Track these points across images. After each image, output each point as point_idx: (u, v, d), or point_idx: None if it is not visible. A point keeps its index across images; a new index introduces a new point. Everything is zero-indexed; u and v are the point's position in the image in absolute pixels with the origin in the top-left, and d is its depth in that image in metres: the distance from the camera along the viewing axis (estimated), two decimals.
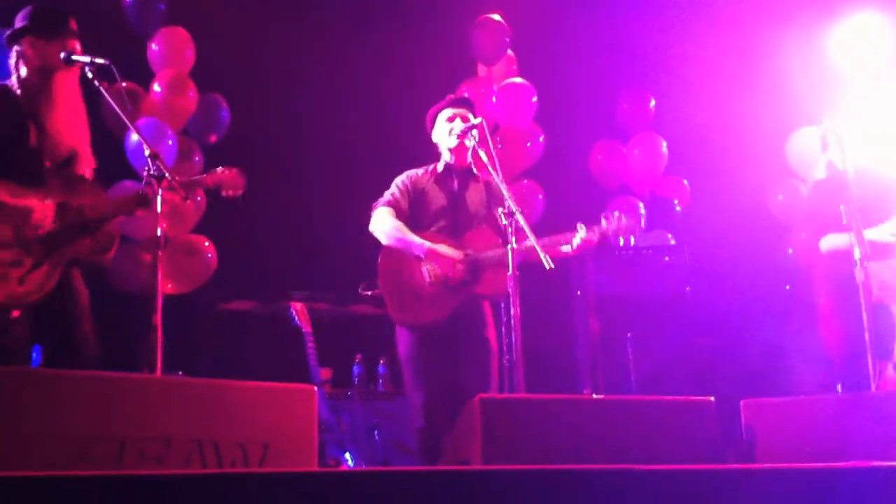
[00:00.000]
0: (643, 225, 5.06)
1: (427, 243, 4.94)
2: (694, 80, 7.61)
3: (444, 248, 4.93)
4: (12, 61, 4.35)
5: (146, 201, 4.27)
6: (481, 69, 7.87)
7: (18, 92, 4.32)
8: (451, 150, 5.15)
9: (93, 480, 2.42)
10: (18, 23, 4.36)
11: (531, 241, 4.51)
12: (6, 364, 3.91)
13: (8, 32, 4.38)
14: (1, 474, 2.44)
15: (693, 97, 7.61)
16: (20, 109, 4.28)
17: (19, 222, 4.12)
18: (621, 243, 4.99)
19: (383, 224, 5.05)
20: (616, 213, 4.87)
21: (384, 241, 5.05)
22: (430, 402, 4.89)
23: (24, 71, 4.33)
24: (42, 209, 4.17)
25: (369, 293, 5.30)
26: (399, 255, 5.01)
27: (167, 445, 3.14)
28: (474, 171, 5.22)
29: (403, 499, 2.60)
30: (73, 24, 4.38)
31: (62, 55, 4.25)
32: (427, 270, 4.93)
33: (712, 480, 2.91)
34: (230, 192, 4.55)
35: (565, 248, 4.94)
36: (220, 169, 4.55)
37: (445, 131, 5.15)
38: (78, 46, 4.32)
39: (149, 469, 3.05)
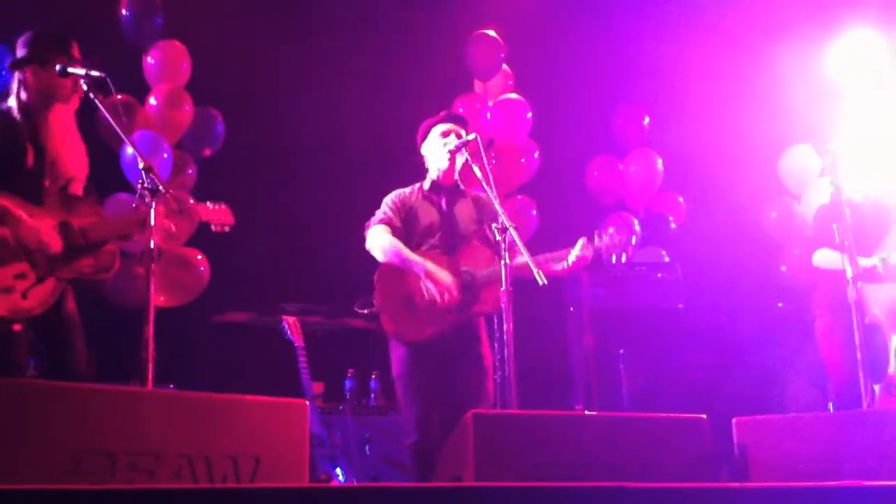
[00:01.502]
0: (635, 241, 5.03)
1: (428, 264, 4.94)
2: (690, 96, 7.64)
3: (441, 274, 4.92)
4: (14, 85, 4.39)
5: (143, 224, 4.30)
6: (477, 84, 7.88)
7: (18, 116, 4.34)
8: (440, 168, 5.14)
9: (83, 494, 2.40)
10: (20, 50, 4.39)
11: (525, 256, 4.51)
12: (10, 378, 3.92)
13: (10, 61, 4.42)
14: None
15: (689, 114, 7.64)
16: (20, 132, 4.31)
17: (28, 238, 4.16)
18: (613, 261, 4.96)
19: (381, 241, 5.03)
20: (610, 231, 4.87)
21: (382, 258, 5.03)
22: (424, 416, 4.87)
23: (24, 96, 4.36)
24: (49, 230, 4.21)
25: (366, 311, 5.28)
26: (396, 272, 4.99)
27: (158, 458, 3.13)
28: (461, 186, 5.22)
29: None
30: (76, 49, 4.40)
31: (57, 67, 4.25)
32: (425, 289, 4.93)
33: (705, 499, 2.91)
34: (217, 228, 4.66)
35: (559, 267, 4.92)
36: (209, 204, 4.64)
37: (439, 147, 5.14)
38: (79, 71, 4.33)
39: (140, 482, 3.04)
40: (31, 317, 4.16)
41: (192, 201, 4.82)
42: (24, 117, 4.34)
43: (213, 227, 4.63)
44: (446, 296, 4.86)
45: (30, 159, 4.28)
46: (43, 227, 4.20)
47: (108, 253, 4.39)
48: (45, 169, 4.32)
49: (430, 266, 4.92)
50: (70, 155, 4.41)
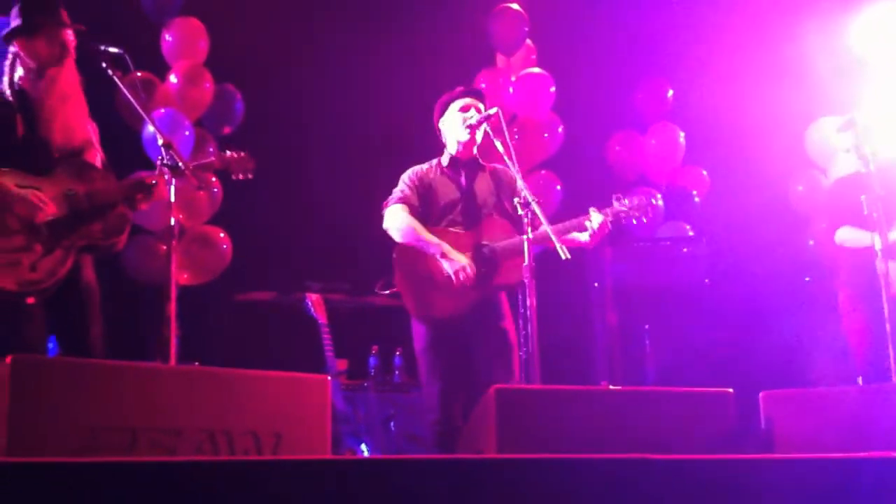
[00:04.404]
0: (658, 202, 5.02)
1: (444, 245, 4.90)
2: (713, 69, 7.55)
3: (455, 255, 4.88)
4: (7, 63, 4.32)
5: (144, 188, 4.27)
6: (500, 59, 7.82)
7: (8, 92, 4.27)
8: (459, 142, 5.10)
9: (105, 466, 2.40)
10: (12, 21, 4.32)
11: (547, 230, 4.47)
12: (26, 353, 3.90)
13: (2, 35, 4.35)
14: (15, 460, 2.44)
15: (712, 87, 7.55)
16: (8, 108, 4.24)
17: (26, 209, 4.11)
18: (634, 223, 4.94)
19: (397, 221, 5.00)
20: (633, 198, 4.88)
21: (399, 238, 4.99)
22: (446, 394, 4.84)
23: (20, 71, 4.29)
24: (48, 195, 4.15)
25: (387, 292, 5.25)
26: (414, 251, 4.96)
27: (179, 434, 3.14)
28: (479, 161, 5.18)
29: (417, 487, 2.57)
30: (64, 14, 4.32)
31: (68, 32, 4.23)
32: (445, 265, 4.89)
33: (730, 470, 2.88)
34: (240, 175, 4.58)
35: (581, 238, 4.90)
36: (229, 152, 4.56)
37: (458, 122, 5.09)
38: (69, 35, 4.28)
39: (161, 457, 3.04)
40: (44, 290, 4.13)
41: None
42: (15, 92, 4.27)
43: (232, 176, 4.58)
44: (462, 275, 4.83)
45: (20, 131, 4.22)
46: (42, 193, 4.14)
47: (117, 216, 4.32)
48: (52, 140, 4.27)
49: (446, 247, 4.89)
50: (75, 120, 4.35)
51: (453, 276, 4.83)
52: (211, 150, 6.77)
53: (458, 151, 5.11)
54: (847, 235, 5.54)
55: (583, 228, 4.86)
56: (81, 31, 4.33)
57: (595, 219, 4.80)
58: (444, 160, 5.17)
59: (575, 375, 6.92)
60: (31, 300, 4.12)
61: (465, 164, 5.14)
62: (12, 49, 4.30)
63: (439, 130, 5.21)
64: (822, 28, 7.08)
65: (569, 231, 4.88)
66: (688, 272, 7.09)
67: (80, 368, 3.18)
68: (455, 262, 4.85)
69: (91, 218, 4.25)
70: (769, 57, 7.48)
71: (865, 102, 6.23)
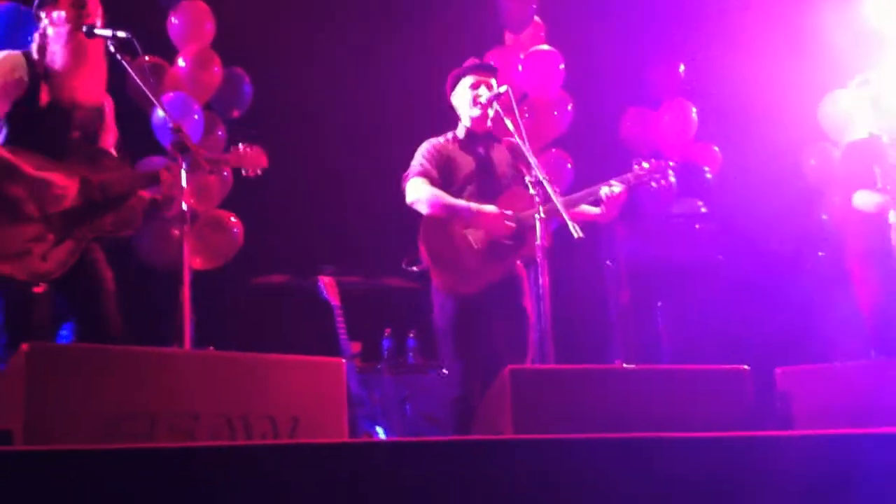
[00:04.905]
0: (673, 181, 5.01)
1: (473, 204, 4.89)
2: (724, 43, 7.49)
3: (488, 208, 4.87)
4: (38, 32, 4.31)
5: (156, 179, 4.27)
6: (508, 37, 7.77)
7: (36, 57, 4.27)
8: (471, 118, 5.08)
9: (124, 453, 2.41)
10: None
11: (560, 210, 4.46)
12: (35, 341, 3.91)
13: (33, 8, 4.37)
14: (33, 448, 2.45)
15: (724, 61, 7.49)
16: (35, 73, 4.23)
17: (41, 196, 4.10)
18: (654, 185, 4.91)
19: (422, 193, 4.95)
20: (650, 161, 4.86)
21: (426, 210, 4.95)
22: (469, 370, 4.84)
23: (44, 40, 4.28)
24: (64, 183, 4.15)
25: (414, 268, 5.22)
26: (442, 225, 4.92)
27: (197, 419, 3.14)
28: (494, 134, 5.16)
29: (433, 469, 2.58)
30: None
31: (84, 29, 4.22)
32: (472, 236, 4.87)
33: (746, 447, 2.87)
34: (251, 172, 4.55)
35: (594, 211, 4.89)
36: (241, 146, 4.53)
37: (469, 99, 5.07)
38: (106, 32, 4.27)
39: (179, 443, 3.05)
40: (55, 279, 4.12)
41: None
42: (44, 60, 4.26)
43: (243, 173, 4.55)
44: (503, 226, 4.81)
45: (43, 99, 4.21)
46: (59, 181, 4.13)
47: (130, 208, 4.33)
48: (71, 117, 4.27)
49: (475, 206, 4.87)
50: (96, 88, 4.35)
51: (494, 225, 4.81)
52: (220, 132, 6.75)
53: (472, 126, 5.10)
54: (864, 199, 5.50)
55: (597, 199, 4.84)
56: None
57: (614, 186, 4.79)
58: (460, 133, 5.16)
59: (589, 354, 6.91)
60: (39, 289, 4.11)
61: (480, 136, 5.13)
62: (41, 22, 4.30)
63: (451, 105, 5.20)
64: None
65: (581, 202, 4.87)
66: (701, 249, 7.07)
67: (97, 355, 3.19)
68: (491, 216, 4.84)
69: (103, 209, 4.24)
70: (782, 29, 7.42)
71: (881, 72, 6.17)
